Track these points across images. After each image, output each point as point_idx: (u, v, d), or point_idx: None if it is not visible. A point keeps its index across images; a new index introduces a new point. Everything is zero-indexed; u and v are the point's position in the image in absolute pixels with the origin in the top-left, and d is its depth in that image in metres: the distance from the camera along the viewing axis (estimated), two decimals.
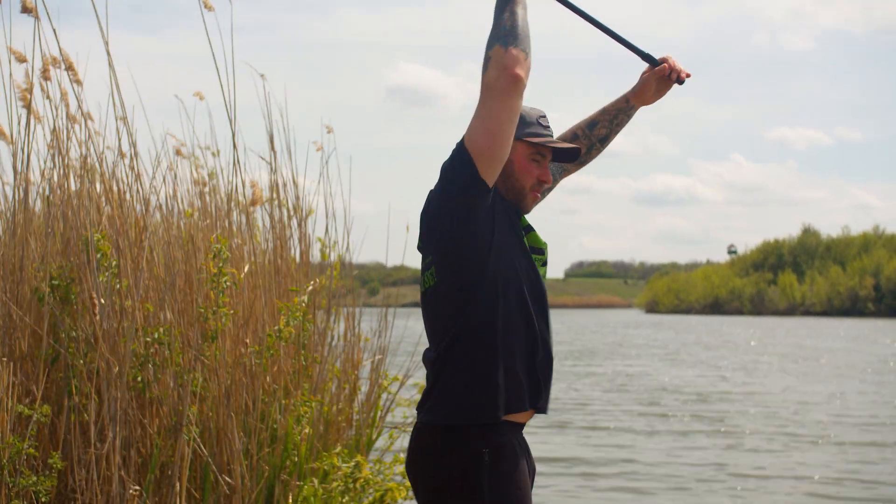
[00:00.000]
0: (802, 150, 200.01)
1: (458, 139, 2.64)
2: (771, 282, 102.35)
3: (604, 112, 3.15)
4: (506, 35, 2.54)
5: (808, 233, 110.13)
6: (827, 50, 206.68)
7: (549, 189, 3.16)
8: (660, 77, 3.08)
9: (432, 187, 2.70)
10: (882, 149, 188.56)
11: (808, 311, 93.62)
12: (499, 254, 2.65)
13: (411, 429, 2.76)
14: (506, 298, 2.66)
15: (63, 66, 4.66)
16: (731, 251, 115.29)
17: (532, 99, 2.65)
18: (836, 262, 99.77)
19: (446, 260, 2.66)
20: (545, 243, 2.82)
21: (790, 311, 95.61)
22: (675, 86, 3.11)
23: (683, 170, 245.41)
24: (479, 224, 2.61)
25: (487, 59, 2.53)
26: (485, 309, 2.63)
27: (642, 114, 3.25)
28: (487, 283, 2.63)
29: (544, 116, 2.82)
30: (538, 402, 2.70)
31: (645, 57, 3.09)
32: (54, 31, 4.55)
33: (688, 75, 3.11)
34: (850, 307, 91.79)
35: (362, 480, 4.67)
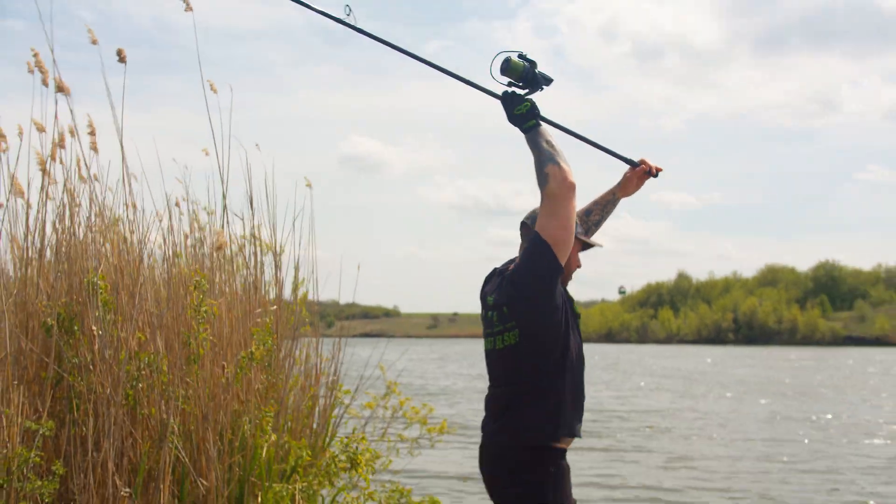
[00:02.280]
0: (678, 210, 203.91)
1: (532, 237, 2.83)
2: (653, 316, 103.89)
3: (595, 203, 3.39)
4: (552, 157, 2.78)
5: (682, 277, 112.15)
6: (696, 129, 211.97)
7: None
8: (640, 174, 3.32)
9: (510, 273, 2.88)
10: (740, 210, 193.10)
11: (682, 340, 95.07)
12: (567, 318, 2.86)
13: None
14: (569, 353, 2.86)
15: (77, 136, 4.57)
16: (622, 291, 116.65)
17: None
18: (704, 301, 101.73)
19: (531, 324, 2.82)
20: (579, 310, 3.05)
21: (668, 340, 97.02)
22: (651, 178, 3.34)
23: None
24: (557, 299, 2.83)
25: (546, 176, 2.76)
26: (559, 363, 2.84)
27: None
28: (560, 344, 2.84)
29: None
30: (579, 429, 2.92)
31: (627, 161, 3.30)
32: (70, 109, 4.46)
33: (660, 170, 3.35)
34: (715, 337, 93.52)
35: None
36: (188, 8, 4.40)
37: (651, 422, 15.33)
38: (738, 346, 79.61)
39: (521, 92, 2.90)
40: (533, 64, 2.91)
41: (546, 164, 2.76)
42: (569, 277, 2.98)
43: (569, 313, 2.89)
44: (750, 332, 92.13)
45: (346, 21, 2.99)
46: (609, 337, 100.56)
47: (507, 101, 2.87)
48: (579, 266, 3.02)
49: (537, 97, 2.91)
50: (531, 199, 3.39)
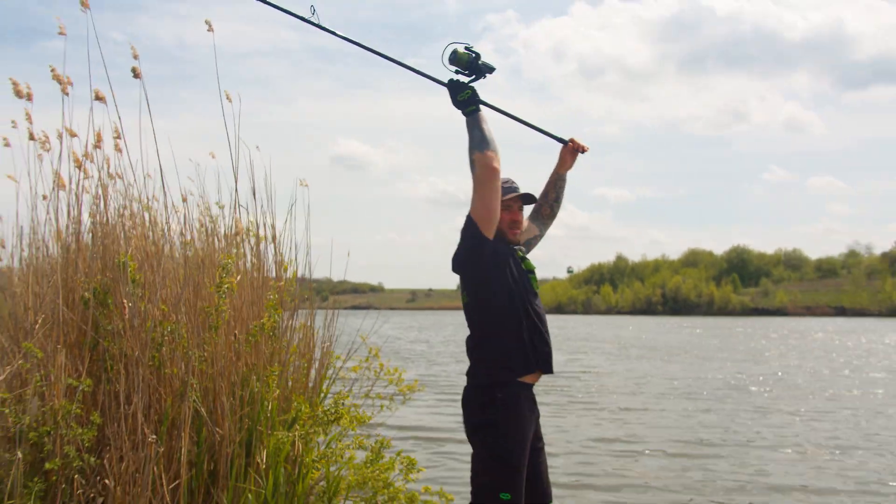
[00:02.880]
0: (615, 203, 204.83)
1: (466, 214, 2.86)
2: (595, 292, 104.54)
3: (548, 185, 3.35)
4: (480, 143, 2.72)
5: (620, 259, 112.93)
6: (631, 135, 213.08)
7: (538, 238, 3.31)
8: (571, 151, 3.28)
9: (456, 249, 2.88)
10: (667, 203, 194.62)
11: (619, 312, 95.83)
12: (503, 276, 2.83)
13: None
14: (512, 304, 2.84)
15: (112, 136, 4.54)
16: (570, 271, 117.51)
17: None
18: (638, 279, 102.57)
19: (471, 286, 2.86)
20: (534, 266, 2.99)
21: (608, 311, 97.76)
22: (580, 155, 3.30)
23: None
24: (487, 261, 2.80)
25: (473, 162, 2.71)
26: (500, 313, 2.83)
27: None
28: (500, 299, 2.82)
29: (508, 180, 2.99)
30: (540, 366, 2.89)
31: (558, 139, 3.25)
32: (119, 116, 4.41)
33: (587, 148, 3.30)
34: (647, 309, 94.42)
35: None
36: (210, 28, 4.38)
37: (594, 381, 15.51)
38: (666, 317, 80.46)
39: (466, 79, 2.84)
40: (477, 55, 2.85)
41: (473, 151, 2.71)
42: (511, 234, 2.94)
43: (514, 271, 2.86)
44: (675, 305, 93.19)
45: (311, 20, 2.90)
46: (559, 309, 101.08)
47: (452, 88, 2.82)
48: (517, 220, 2.97)
49: (480, 84, 2.85)
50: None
